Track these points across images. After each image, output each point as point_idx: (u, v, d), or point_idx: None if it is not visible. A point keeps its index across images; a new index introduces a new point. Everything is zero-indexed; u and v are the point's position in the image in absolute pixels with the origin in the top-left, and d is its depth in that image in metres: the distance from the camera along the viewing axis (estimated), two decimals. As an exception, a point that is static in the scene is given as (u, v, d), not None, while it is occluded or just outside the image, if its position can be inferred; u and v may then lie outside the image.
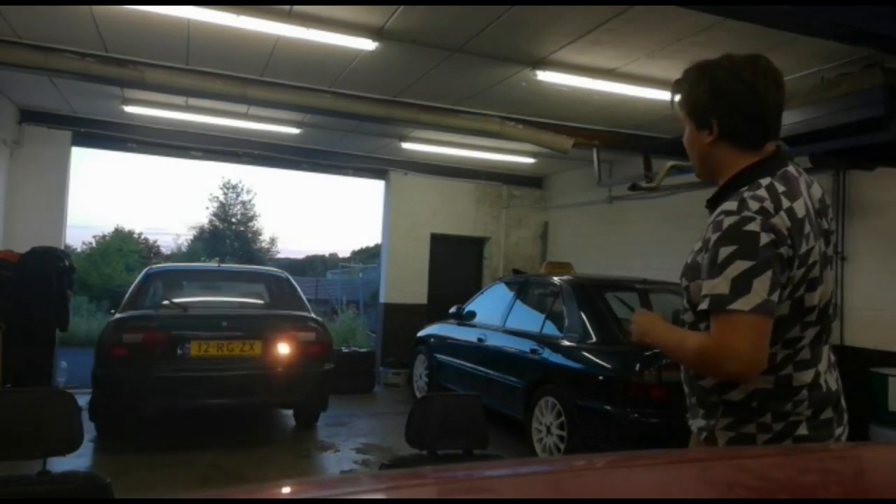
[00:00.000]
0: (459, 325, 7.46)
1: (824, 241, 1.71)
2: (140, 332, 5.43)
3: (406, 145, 8.81)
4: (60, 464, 3.90)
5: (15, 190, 7.84)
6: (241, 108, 7.22)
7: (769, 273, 1.56)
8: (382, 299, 10.28)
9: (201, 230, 37.76)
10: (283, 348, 5.75)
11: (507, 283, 7.36)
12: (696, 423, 1.81)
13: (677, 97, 1.83)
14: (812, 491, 1.04)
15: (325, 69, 5.76)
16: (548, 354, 5.66)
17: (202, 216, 56.06)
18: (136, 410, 5.67)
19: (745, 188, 1.66)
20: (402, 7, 4.45)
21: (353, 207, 76.35)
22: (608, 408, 4.89)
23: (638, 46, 4.95)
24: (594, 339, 5.32)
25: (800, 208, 1.65)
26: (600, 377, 5.12)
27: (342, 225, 76.62)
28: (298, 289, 6.90)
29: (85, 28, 5.08)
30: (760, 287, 1.55)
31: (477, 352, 6.79)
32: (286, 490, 1.06)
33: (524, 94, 6.17)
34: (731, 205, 1.63)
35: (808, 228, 1.64)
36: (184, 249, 34.06)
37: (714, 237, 1.62)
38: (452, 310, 7.68)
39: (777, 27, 4.09)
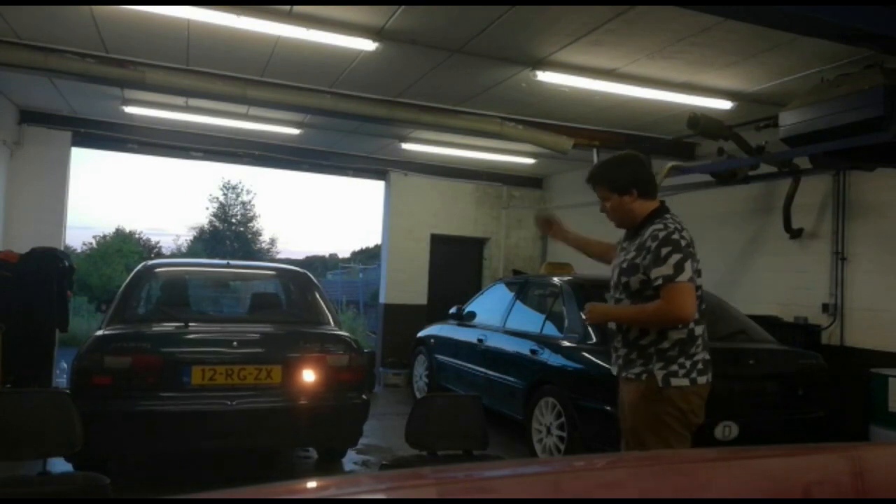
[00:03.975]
0: (459, 325, 7.44)
1: None
2: (127, 356, 4.37)
3: (406, 146, 8.81)
4: (60, 464, 3.91)
5: (15, 190, 7.84)
6: (241, 109, 7.22)
7: (690, 261, 2.70)
8: (382, 300, 10.27)
9: (201, 231, 37.72)
10: (309, 375, 4.69)
11: (507, 284, 7.34)
12: (633, 371, 2.80)
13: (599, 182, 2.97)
14: (812, 491, 1.04)
15: (326, 69, 5.76)
16: (548, 355, 5.65)
17: (202, 217, 55.94)
18: (121, 455, 4.76)
19: (659, 219, 2.80)
20: (402, 7, 4.45)
21: (353, 208, 76.25)
22: (608, 408, 4.87)
23: (638, 47, 4.95)
24: (594, 340, 5.31)
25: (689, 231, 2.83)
26: (600, 377, 5.11)
27: (342, 225, 76.44)
28: (323, 291, 5.84)
29: (85, 28, 5.08)
30: (689, 268, 2.69)
31: (477, 352, 6.78)
32: (287, 490, 1.06)
33: (524, 94, 6.17)
34: (660, 225, 2.76)
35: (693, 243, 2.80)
36: (183, 250, 34.04)
37: (654, 244, 2.72)
38: (452, 310, 7.67)
39: (777, 27, 4.10)
